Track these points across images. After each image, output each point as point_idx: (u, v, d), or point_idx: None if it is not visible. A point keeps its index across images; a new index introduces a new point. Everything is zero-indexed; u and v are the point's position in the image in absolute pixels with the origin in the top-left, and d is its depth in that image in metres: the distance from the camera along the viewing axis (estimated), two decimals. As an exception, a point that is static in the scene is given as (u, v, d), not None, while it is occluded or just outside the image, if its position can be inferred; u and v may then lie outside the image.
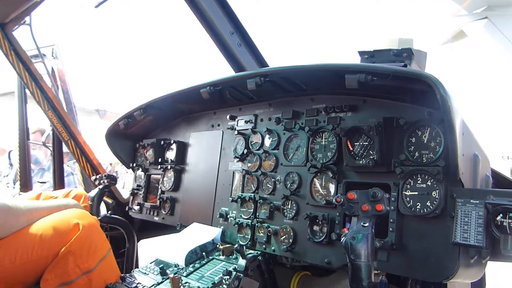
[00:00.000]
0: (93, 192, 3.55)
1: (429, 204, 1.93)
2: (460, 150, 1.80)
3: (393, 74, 1.97)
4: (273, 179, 2.74)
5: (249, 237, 2.76)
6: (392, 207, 2.04)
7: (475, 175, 1.96)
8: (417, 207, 1.96)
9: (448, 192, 1.88)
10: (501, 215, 1.60)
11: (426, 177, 1.97)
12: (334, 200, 1.99)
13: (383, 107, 2.23)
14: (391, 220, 2.03)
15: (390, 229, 2.02)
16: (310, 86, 2.60)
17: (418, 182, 1.99)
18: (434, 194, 1.92)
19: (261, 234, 2.70)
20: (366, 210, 1.88)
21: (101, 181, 3.65)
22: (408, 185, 2.02)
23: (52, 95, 4.30)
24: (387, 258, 2.04)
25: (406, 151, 2.05)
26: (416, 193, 1.98)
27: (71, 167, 6.29)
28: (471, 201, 1.75)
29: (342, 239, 1.82)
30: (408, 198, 2.01)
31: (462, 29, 14.30)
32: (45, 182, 5.42)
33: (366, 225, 1.82)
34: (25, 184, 4.97)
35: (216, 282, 2.46)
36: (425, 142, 2.01)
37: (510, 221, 1.57)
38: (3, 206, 2.73)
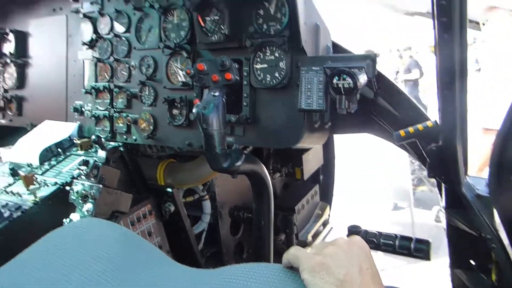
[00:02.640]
0: None
1: (277, 75, 1.96)
2: (302, 19, 1.81)
3: None
4: (127, 65, 2.53)
5: (108, 129, 2.60)
6: (245, 82, 2.04)
7: (316, 44, 2.02)
8: (267, 79, 1.99)
9: (294, 62, 1.92)
10: (336, 77, 1.67)
11: (274, 49, 1.98)
12: (184, 72, 1.91)
13: None
14: (244, 95, 2.05)
15: (244, 103, 2.05)
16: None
17: (267, 54, 2.00)
18: (281, 65, 1.95)
19: (121, 125, 2.56)
20: (216, 80, 1.87)
21: None
22: (258, 58, 2.02)
23: None
24: (243, 132, 2.10)
25: (255, 24, 2.00)
26: (266, 65, 2.00)
27: None
28: (313, 68, 1.81)
29: (194, 110, 1.82)
30: (259, 72, 2.02)
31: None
32: None
33: (216, 94, 1.82)
34: None
35: (75, 175, 2.33)
36: (272, 13, 1.97)
37: (343, 82, 1.66)
38: None
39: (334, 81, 1.68)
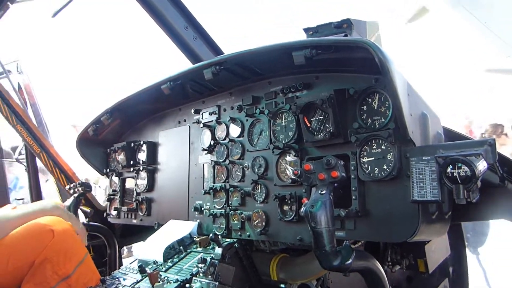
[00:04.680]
0: (69, 201, 3.52)
1: (385, 167, 1.98)
2: (406, 111, 1.84)
3: (334, 45, 2.01)
4: (241, 166, 2.77)
5: (224, 226, 2.79)
6: (352, 176, 2.08)
7: (425, 134, 2.01)
8: (375, 171, 2.01)
9: (402, 153, 1.93)
10: (450, 166, 1.64)
11: (380, 142, 2.02)
12: (292, 174, 2.01)
13: (335, 80, 2.27)
14: (353, 188, 2.07)
15: (353, 197, 2.06)
16: (266, 70, 2.63)
17: (373, 147, 2.04)
18: (389, 157, 1.97)
19: (235, 222, 2.73)
20: (322, 179, 1.93)
21: (76, 189, 3.63)
22: (364, 152, 2.07)
23: (19, 109, 4.25)
24: (354, 226, 2.09)
25: (359, 119, 2.10)
26: (373, 158, 2.03)
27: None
28: (423, 158, 1.79)
29: (302, 209, 1.86)
30: (366, 165, 2.05)
31: (423, 5, 14.49)
32: (22, 199, 5.36)
33: (323, 192, 1.86)
34: (3, 202, 4.90)
35: (194, 272, 2.48)
36: (375, 108, 2.06)
37: (459, 171, 1.61)
38: None
39: (449, 170, 1.65)
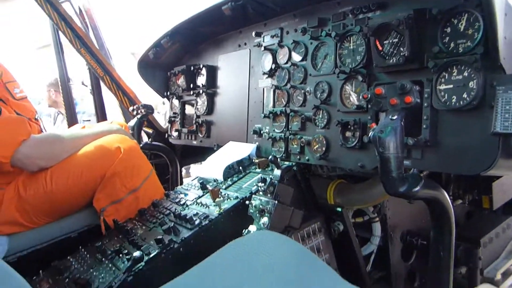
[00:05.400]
0: (132, 122, 3.70)
1: (465, 96, 1.82)
2: (501, 32, 1.65)
3: None
4: (303, 91, 2.73)
5: (283, 149, 2.83)
6: (425, 104, 1.96)
7: None
8: (453, 100, 1.86)
9: (488, 81, 1.76)
10: None
11: (463, 68, 1.84)
12: (361, 97, 1.93)
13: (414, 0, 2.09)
14: (424, 117, 1.95)
15: (424, 126, 1.95)
16: (335, -12, 2.47)
17: (454, 74, 1.87)
18: (471, 85, 1.80)
19: (295, 146, 2.75)
20: (394, 104, 1.83)
21: (139, 111, 3.79)
22: (442, 79, 1.91)
23: (82, 33, 4.34)
24: (421, 155, 2.01)
25: (440, 43, 1.92)
26: (451, 86, 1.88)
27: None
28: None
29: (370, 133, 1.79)
30: (442, 93, 1.91)
31: None
32: (89, 120, 5.67)
33: (394, 118, 1.78)
34: (72, 122, 5.23)
35: (253, 191, 2.59)
36: (461, 30, 1.85)
37: None
38: (48, 137, 2.95)
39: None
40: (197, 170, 3.30)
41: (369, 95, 1.94)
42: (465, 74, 1.83)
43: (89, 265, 2.42)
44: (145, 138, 4.20)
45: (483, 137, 1.76)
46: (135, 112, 3.80)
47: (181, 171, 4.30)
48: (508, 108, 1.62)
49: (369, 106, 2.09)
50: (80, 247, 2.70)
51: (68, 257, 2.63)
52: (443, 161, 1.94)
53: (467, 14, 1.84)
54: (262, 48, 3.03)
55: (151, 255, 2.20)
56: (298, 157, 2.74)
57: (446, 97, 1.90)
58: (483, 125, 1.76)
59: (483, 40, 1.76)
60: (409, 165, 2.05)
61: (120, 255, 2.36)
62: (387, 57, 2.13)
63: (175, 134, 4.05)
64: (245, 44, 3.32)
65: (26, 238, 2.77)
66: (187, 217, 2.47)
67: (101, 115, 4.88)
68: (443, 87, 1.91)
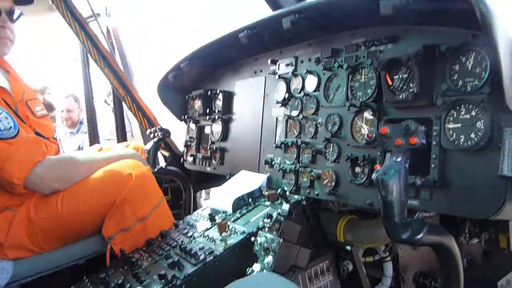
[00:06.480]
0: (149, 145, 3.71)
1: (473, 135, 1.74)
2: (507, 74, 1.57)
3: None
4: (314, 122, 2.65)
5: (293, 182, 2.74)
6: (434, 142, 1.88)
7: None
8: (461, 140, 1.79)
9: (495, 122, 1.68)
10: None
11: (470, 107, 1.77)
12: (366, 136, 1.87)
13: (425, 34, 2.00)
14: (433, 156, 1.87)
15: (433, 165, 1.87)
16: (349, 20, 2.40)
17: (462, 113, 1.80)
18: (478, 125, 1.73)
19: (305, 179, 2.66)
20: (399, 145, 1.75)
21: (156, 134, 3.80)
22: (451, 117, 1.84)
23: (107, 53, 4.46)
24: (429, 196, 1.91)
25: (448, 80, 1.85)
26: (460, 125, 1.80)
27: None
28: None
29: (374, 175, 1.73)
30: (451, 131, 1.83)
31: None
32: (110, 140, 5.77)
33: (398, 159, 1.71)
34: (94, 140, 5.33)
35: (260, 226, 2.50)
36: (469, 68, 1.79)
37: None
38: (63, 159, 2.97)
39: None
40: (208, 201, 3.27)
41: (374, 135, 1.86)
42: (473, 113, 1.77)
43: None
44: (162, 160, 4.21)
45: (491, 179, 1.67)
46: (151, 135, 3.81)
47: (195, 197, 4.26)
48: None
49: (375, 145, 2.01)
50: (84, 277, 2.68)
51: (72, 287, 2.62)
52: (451, 203, 1.84)
53: (474, 53, 1.77)
54: (277, 76, 2.98)
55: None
56: (307, 191, 2.64)
57: (454, 136, 1.82)
58: (491, 167, 1.66)
59: (490, 80, 1.68)
60: (417, 205, 1.95)
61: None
62: (396, 92, 2.05)
63: (190, 159, 4.02)
64: (261, 71, 3.28)
65: (32, 264, 2.76)
66: (192, 251, 2.43)
67: (121, 134, 4.95)
68: (451, 125, 1.84)
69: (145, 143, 4.29)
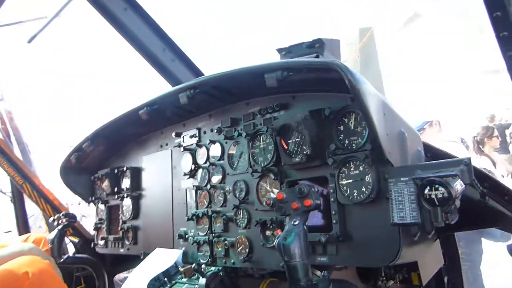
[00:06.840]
0: (52, 234, 3.43)
1: (364, 189, 1.89)
2: (382, 131, 1.77)
3: (305, 67, 1.94)
4: (222, 191, 2.67)
5: (209, 254, 2.69)
6: (332, 199, 2.00)
7: (403, 153, 1.93)
8: (354, 194, 1.93)
9: (380, 174, 1.84)
10: (428, 188, 1.57)
11: (358, 163, 1.94)
12: (264, 203, 1.93)
13: (310, 100, 2.20)
14: (333, 212, 1.99)
15: (334, 221, 1.98)
16: (243, 91, 2.55)
17: (351, 169, 1.96)
18: (367, 179, 1.89)
19: (219, 249, 2.63)
20: (296, 208, 1.83)
21: (60, 221, 3.54)
22: (343, 174, 1.99)
23: (0, 141, 4.18)
24: (335, 251, 2.00)
25: (336, 140, 2.02)
26: (351, 180, 1.95)
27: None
28: (401, 179, 1.71)
29: (275, 241, 1.77)
30: (345, 187, 1.97)
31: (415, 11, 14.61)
32: (10, 231, 5.25)
33: (296, 223, 1.77)
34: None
35: (177, 307, 2.38)
36: (352, 128, 1.98)
37: (436, 192, 1.54)
38: None
39: (426, 191, 1.58)
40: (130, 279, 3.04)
41: (272, 201, 1.92)
42: (361, 168, 1.93)
43: None
44: (71, 248, 3.91)
45: (386, 228, 1.80)
46: (55, 223, 3.54)
47: (110, 282, 3.95)
48: (400, 199, 1.70)
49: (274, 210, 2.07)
50: None
51: None
52: (356, 254, 1.94)
53: (354, 114, 1.98)
54: (182, 149, 2.99)
55: None
56: (224, 260, 2.60)
57: (348, 192, 1.96)
58: (384, 217, 1.80)
59: (370, 138, 1.86)
60: (326, 261, 2.02)
61: None
62: (292, 155, 2.17)
63: (101, 242, 3.77)
64: (167, 144, 3.28)
65: None
66: None
67: (22, 225, 4.54)
68: (344, 181, 1.98)
69: (50, 231, 3.96)
